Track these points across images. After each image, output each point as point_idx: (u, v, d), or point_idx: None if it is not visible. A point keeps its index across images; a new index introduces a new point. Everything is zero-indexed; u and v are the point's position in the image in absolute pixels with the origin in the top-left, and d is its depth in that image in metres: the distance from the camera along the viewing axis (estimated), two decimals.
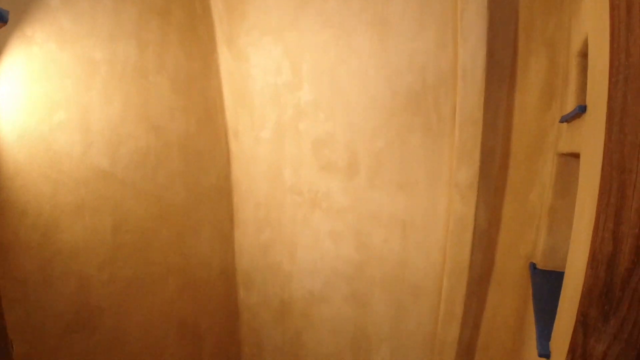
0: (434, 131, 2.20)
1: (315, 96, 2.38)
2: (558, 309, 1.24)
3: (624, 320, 0.77)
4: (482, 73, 1.89)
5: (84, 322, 1.79)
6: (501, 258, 2.29)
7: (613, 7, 0.77)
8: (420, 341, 2.49)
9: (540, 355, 1.24)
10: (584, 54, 1.57)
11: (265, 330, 2.87)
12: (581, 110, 1.24)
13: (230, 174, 2.70)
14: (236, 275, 2.84)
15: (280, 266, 2.71)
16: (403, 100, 2.21)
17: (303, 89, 2.40)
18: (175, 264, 2.34)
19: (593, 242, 0.83)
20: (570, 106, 1.65)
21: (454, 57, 2.01)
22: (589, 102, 1.10)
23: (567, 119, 1.47)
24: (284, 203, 2.60)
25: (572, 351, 0.87)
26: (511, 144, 2.13)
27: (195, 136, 2.41)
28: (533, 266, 2.15)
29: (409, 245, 2.39)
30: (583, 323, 0.84)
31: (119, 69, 1.90)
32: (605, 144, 0.80)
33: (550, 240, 2.06)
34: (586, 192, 1.13)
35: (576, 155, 1.81)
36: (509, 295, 2.31)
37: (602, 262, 0.80)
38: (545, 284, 1.90)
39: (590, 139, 1.10)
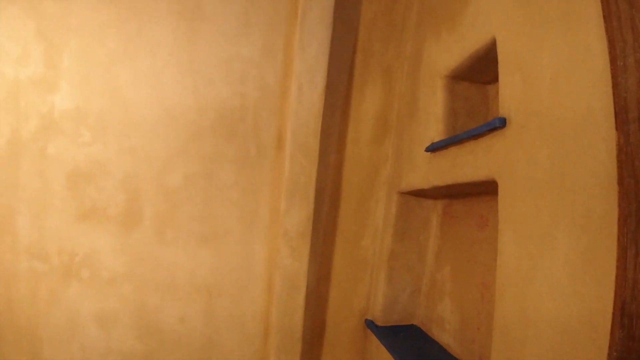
0: (251, 163, 1.95)
1: (79, 103, 1.85)
2: None
3: None
4: (322, 92, 1.78)
5: None
6: (333, 319, 2.22)
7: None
8: None
9: None
10: (455, 76, 1.63)
11: None
12: (501, 123, 1.19)
13: None
14: None
15: None
16: (213, 120, 1.90)
17: (60, 90, 1.85)
18: None
19: (619, 291, 0.74)
20: (432, 134, 1.67)
21: (283, 70, 1.87)
22: (512, 114, 1.16)
23: (446, 144, 1.47)
24: (16, 272, 1.92)
25: None
26: (342, 182, 2.10)
27: None
28: (372, 324, 2.12)
29: (217, 320, 2.04)
30: None
31: None
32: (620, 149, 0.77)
33: (391, 292, 2.08)
34: (517, 222, 1.10)
35: (418, 193, 1.89)
36: None
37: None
38: (400, 344, 1.86)
39: (521, 156, 1.11)
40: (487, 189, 1.49)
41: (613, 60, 0.83)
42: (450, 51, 1.60)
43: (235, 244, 1.99)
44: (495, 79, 1.63)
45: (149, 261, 1.95)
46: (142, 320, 1.99)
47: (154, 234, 1.94)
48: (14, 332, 1.95)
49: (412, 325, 2.09)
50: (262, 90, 1.89)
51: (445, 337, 1.82)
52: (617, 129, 0.81)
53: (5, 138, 1.84)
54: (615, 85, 0.82)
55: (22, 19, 1.83)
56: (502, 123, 1.19)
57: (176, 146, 1.90)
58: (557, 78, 1.01)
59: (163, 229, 1.94)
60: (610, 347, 0.77)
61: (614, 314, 0.77)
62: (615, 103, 0.83)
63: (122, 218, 1.91)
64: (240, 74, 1.89)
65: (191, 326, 2.02)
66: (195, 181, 1.92)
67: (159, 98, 1.87)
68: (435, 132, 1.63)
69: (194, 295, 2.00)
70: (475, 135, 1.31)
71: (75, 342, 1.99)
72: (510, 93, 1.18)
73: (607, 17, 0.85)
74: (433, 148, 1.59)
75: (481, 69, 1.54)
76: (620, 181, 0.80)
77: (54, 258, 1.92)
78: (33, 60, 1.85)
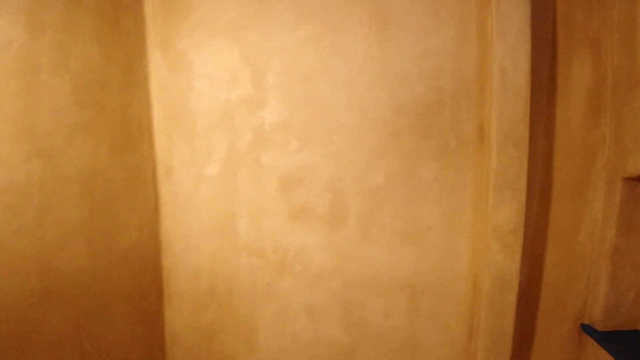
0: (452, 158, 1.97)
1: (286, 116, 2.09)
2: None
3: None
4: (527, 75, 1.71)
5: None
6: (543, 321, 2.10)
7: None
8: None
9: None
10: None
11: None
12: None
13: (158, 227, 2.30)
14: None
15: (232, 359, 2.32)
16: (410, 118, 1.97)
17: (268, 106, 2.11)
18: None
19: None
20: None
21: (480, 58, 1.85)
22: None
23: None
24: (237, 268, 2.25)
25: None
26: (553, 170, 1.98)
27: (107, 170, 1.97)
28: (590, 329, 1.99)
29: (420, 319, 2.10)
30: None
31: None
32: None
33: (613, 293, 1.92)
34: None
35: None
36: None
37: None
38: (628, 351, 1.75)
39: None
40: None
41: None
42: None
43: (438, 241, 2.03)
44: None
45: (354, 258, 2.11)
46: (348, 314, 2.15)
47: (359, 232, 2.09)
48: (233, 321, 2.28)
49: (636, 330, 1.92)
50: (459, 81, 1.90)
51: None
52: None
53: (224, 152, 2.18)
54: None
55: (228, 48, 2.14)
56: None
57: (376, 147, 2.02)
58: None
59: (367, 227, 2.08)
60: None
61: None
62: None
63: (329, 217, 2.11)
64: (435, 68, 1.93)
65: (394, 322, 2.12)
66: (397, 179, 2.02)
67: (357, 103, 2.01)
68: None
69: (397, 292, 2.09)
70: None
71: (287, 331, 2.24)
72: None
73: None
74: None
75: None
76: None
77: (270, 254, 2.20)
78: (242, 82, 2.14)
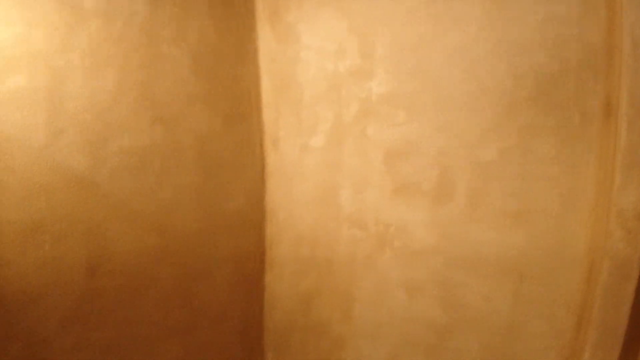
0: (574, 134, 1.83)
1: (393, 87, 2.09)
2: None
3: None
4: None
5: None
6: None
7: None
8: None
9: None
10: None
11: None
12: None
13: (264, 195, 2.45)
14: (264, 336, 2.54)
15: (328, 326, 2.39)
16: (529, 89, 1.86)
17: (375, 77, 2.12)
18: (179, 322, 2.02)
19: None
20: None
21: (607, 26, 1.68)
22: None
23: None
24: (338, 238, 2.31)
25: None
26: None
27: (221, 139, 2.15)
28: None
29: (524, 305, 1.99)
30: None
31: (118, 26, 1.66)
32: None
33: None
34: None
35: None
36: None
37: None
38: None
39: None
40: None
41: None
42: None
43: (552, 224, 1.91)
44: None
45: (458, 237, 2.06)
46: (447, 293, 2.12)
47: (465, 209, 2.03)
48: (331, 290, 2.35)
49: None
50: (585, 51, 1.76)
51: None
52: None
53: (330, 123, 2.23)
54: None
55: (335, 20, 2.18)
56: None
57: (490, 120, 1.94)
58: None
59: (475, 205, 2.02)
60: None
61: None
62: None
63: (434, 193, 2.08)
64: (558, 36, 1.79)
65: (496, 306, 2.05)
66: (510, 155, 1.93)
67: (471, 73, 1.95)
68: None
69: (501, 275, 2.02)
70: None
71: (383, 305, 2.26)
72: None
73: None
74: None
75: None
76: None
77: (371, 227, 2.22)
78: (349, 53, 2.17)
